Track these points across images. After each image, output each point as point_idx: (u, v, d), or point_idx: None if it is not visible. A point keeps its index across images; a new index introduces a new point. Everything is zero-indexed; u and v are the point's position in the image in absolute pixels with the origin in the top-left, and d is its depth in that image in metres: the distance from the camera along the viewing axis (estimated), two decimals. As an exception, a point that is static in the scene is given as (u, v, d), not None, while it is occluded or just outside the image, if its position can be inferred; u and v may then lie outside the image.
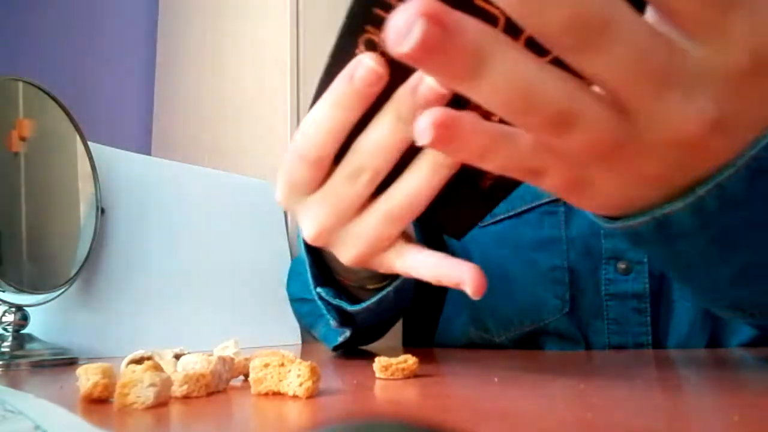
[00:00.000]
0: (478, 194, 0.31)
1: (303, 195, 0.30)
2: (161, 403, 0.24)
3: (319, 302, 0.43)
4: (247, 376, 0.31)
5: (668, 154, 0.22)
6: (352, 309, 0.41)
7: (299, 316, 0.57)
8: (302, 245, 0.42)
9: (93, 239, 0.58)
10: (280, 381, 0.26)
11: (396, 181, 0.29)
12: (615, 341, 0.51)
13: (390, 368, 0.32)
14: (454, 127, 0.21)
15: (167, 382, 0.25)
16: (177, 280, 0.68)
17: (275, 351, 0.31)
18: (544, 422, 0.19)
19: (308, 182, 0.29)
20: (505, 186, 0.30)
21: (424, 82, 0.24)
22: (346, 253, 0.31)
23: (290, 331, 0.81)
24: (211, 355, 0.29)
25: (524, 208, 0.54)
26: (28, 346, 0.50)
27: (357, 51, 0.25)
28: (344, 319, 0.43)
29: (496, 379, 0.31)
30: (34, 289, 0.51)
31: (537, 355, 0.47)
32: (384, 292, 0.40)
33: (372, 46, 0.25)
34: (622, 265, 0.50)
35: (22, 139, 0.53)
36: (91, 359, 0.53)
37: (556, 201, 0.53)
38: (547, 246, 0.53)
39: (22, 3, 1.01)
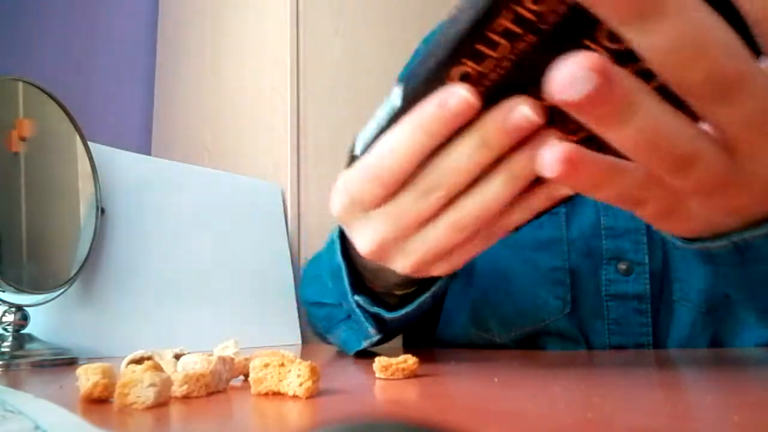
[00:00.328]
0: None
1: (365, 210, 0.31)
2: (161, 403, 0.24)
3: (357, 310, 0.43)
4: (247, 376, 0.31)
5: (760, 189, 0.24)
6: (391, 316, 0.41)
7: (314, 320, 0.57)
8: (336, 254, 0.42)
9: (93, 239, 0.58)
10: (280, 381, 0.26)
11: (468, 192, 0.29)
12: (616, 341, 0.51)
13: (390, 368, 0.32)
14: (580, 163, 0.22)
15: (167, 382, 0.25)
16: (177, 280, 0.68)
17: (275, 351, 0.31)
18: (544, 422, 0.19)
19: (375, 200, 0.30)
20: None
21: (518, 111, 0.25)
22: (405, 263, 0.31)
23: (290, 331, 0.81)
24: (211, 355, 0.29)
25: None
26: (28, 346, 0.50)
27: (448, 80, 0.25)
28: (380, 326, 0.44)
29: (496, 379, 0.31)
30: (34, 289, 0.51)
31: (537, 355, 0.47)
32: (423, 298, 0.41)
33: (466, 78, 0.25)
34: (622, 266, 0.50)
35: (22, 139, 0.53)
36: (91, 359, 0.53)
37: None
38: (548, 246, 0.52)
39: (23, 3, 1.01)
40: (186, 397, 0.26)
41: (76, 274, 0.56)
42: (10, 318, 0.50)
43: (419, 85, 0.26)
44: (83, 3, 1.10)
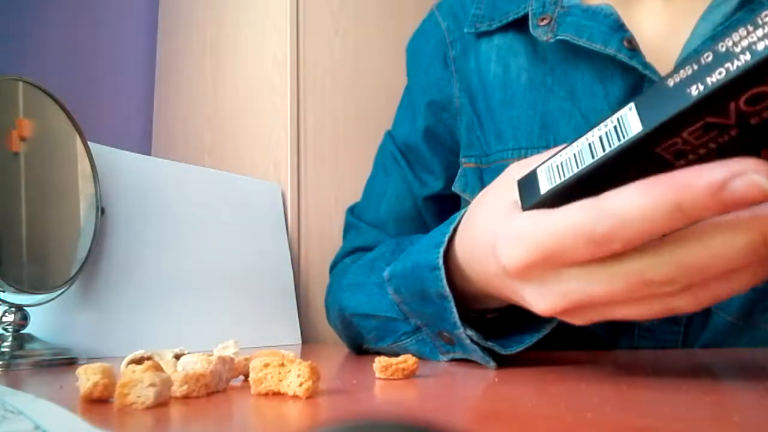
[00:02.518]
0: None
1: (555, 267, 0.27)
2: (161, 403, 0.24)
3: (470, 345, 0.39)
4: (247, 376, 0.31)
5: None
6: (507, 352, 0.38)
7: (360, 331, 0.52)
8: (439, 282, 0.38)
9: (93, 239, 0.58)
10: (280, 381, 0.26)
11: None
12: (643, 345, 0.50)
13: (390, 368, 0.32)
14: None
15: (167, 382, 0.25)
16: (177, 280, 0.68)
17: (275, 351, 0.31)
18: (544, 422, 0.19)
19: (575, 261, 0.26)
20: None
21: (741, 180, 0.21)
22: (590, 319, 0.28)
23: (290, 331, 0.81)
24: (211, 355, 0.29)
25: None
26: (28, 346, 0.50)
27: (732, 105, 0.20)
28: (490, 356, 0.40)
29: (496, 379, 0.31)
30: (34, 289, 0.51)
31: (537, 355, 0.47)
32: (540, 335, 0.38)
33: (760, 101, 0.20)
34: None
35: (22, 139, 0.53)
36: (91, 359, 0.53)
37: None
38: None
39: (23, 3, 1.01)
40: (186, 397, 0.26)
41: (76, 274, 0.56)
42: (10, 318, 0.50)
43: (689, 109, 0.20)
44: (84, 3, 1.10)
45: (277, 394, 0.26)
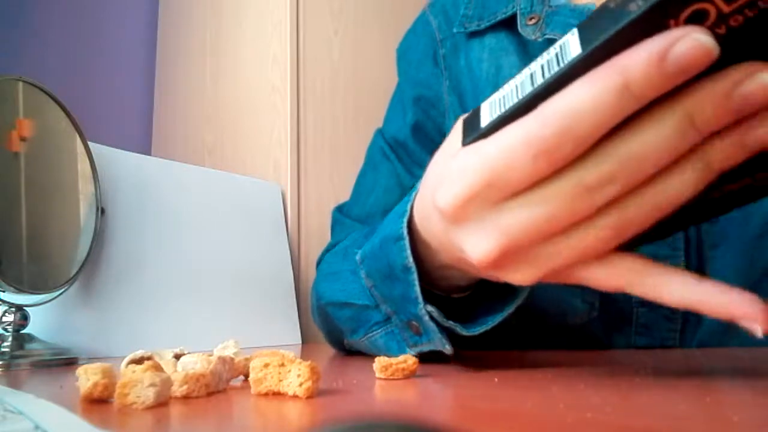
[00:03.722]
0: (702, 204, 0.25)
1: (497, 200, 0.24)
2: (161, 403, 0.24)
3: (430, 323, 0.37)
4: (247, 376, 0.31)
5: None
6: (468, 332, 0.36)
7: (334, 322, 0.52)
8: (403, 251, 0.36)
9: (93, 239, 0.58)
10: (280, 381, 0.26)
11: (642, 187, 0.23)
12: (641, 343, 0.50)
13: (390, 368, 0.32)
14: None
15: (167, 382, 0.25)
16: (177, 280, 0.68)
17: (275, 351, 0.31)
18: (544, 422, 0.19)
19: (520, 181, 0.23)
20: (733, 201, 0.26)
21: (758, 80, 0.20)
22: (531, 273, 0.26)
23: (290, 331, 0.81)
24: (211, 355, 0.29)
25: None
26: (28, 346, 0.50)
27: (672, 23, 0.20)
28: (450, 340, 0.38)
29: (496, 379, 0.31)
30: (34, 289, 0.51)
31: (537, 355, 0.47)
32: (505, 314, 0.36)
33: (700, 19, 0.19)
34: None
35: (22, 139, 0.53)
36: (91, 359, 0.53)
37: None
38: None
39: (23, 3, 1.01)
40: (186, 397, 0.26)
41: (76, 274, 0.56)
42: (10, 318, 0.50)
43: (628, 26, 0.20)
44: (84, 3, 1.10)
45: (277, 394, 0.26)
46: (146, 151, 1.16)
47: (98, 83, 1.11)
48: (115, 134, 1.09)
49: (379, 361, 0.32)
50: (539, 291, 0.52)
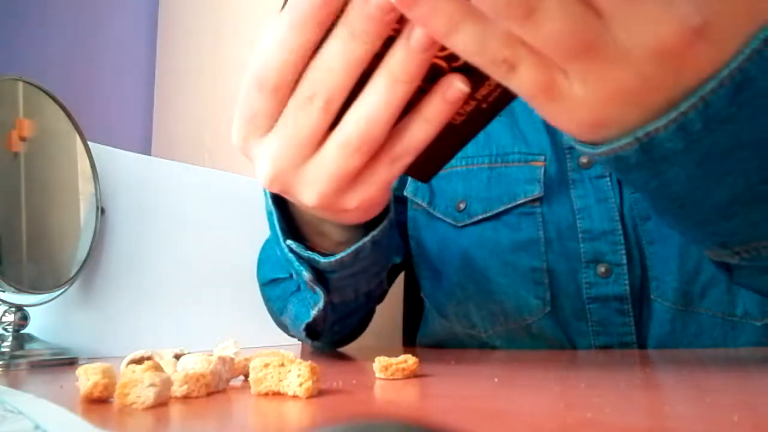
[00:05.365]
0: (448, 131, 0.29)
1: (260, 134, 0.29)
2: (161, 403, 0.24)
3: (290, 256, 0.40)
4: (247, 376, 0.31)
5: (647, 65, 0.21)
6: (326, 260, 0.38)
7: (269, 304, 0.55)
8: (268, 201, 0.40)
9: (93, 239, 0.58)
10: (280, 381, 0.26)
11: (351, 105, 0.27)
12: (601, 342, 0.51)
13: (390, 368, 0.32)
14: None
15: (167, 382, 0.25)
16: (177, 280, 0.68)
17: (275, 351, 0.31)
18: (544, 422, 0.19)
19: (266, 116, 0.28)
20: (477, 122, 0.29)
21: None
22: (309, 194, 0.30)
23: (290, 331, 0.81)
24: (211, 355, 0.29)
25: (502, 209, 0.54)
26: (28, 346, 0.50)
27: None
28: (319, 280, 0.41)
29: (496, 379, 0.31)
30: (34, 289, 0.51)
31: (537, 355, 0.47)
32: (360, 243, 0.38)
33: None
34: (601, 269, 0.50)
35: (22, 139, 0.53)
36: (91, 359, 0.53)
37: (533, 202, 0.53)
38: (526, 247, 0.52)
39: (23, 3, 1.01)
40: (186, 397, 0.26)
41: (76, 274, 0.56)
42: (10, 318, 0.50)
43: None
44: (84, 3, 1.10)
45: (277, 394, 0.26)
46: (146, 151, 1.16)
47: (98, 83, 1.11)
48: (115, 134, 1.09)
49: (379, 361, 0.32)
50: (497, 288, 0.53)
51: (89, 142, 0.60)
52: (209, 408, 0.24)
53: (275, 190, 0.31)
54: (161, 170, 0.72)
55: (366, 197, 0.31)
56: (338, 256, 0.38)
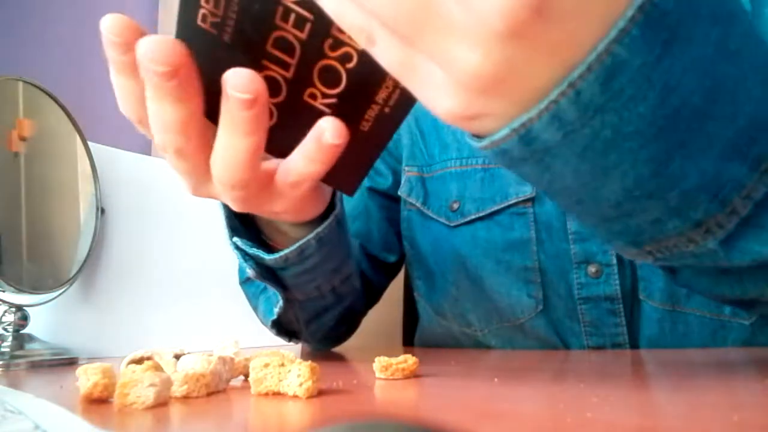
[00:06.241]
0: (358, 139, 0.29)
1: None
2: (161, 403, 0.24)
3: (236, 252, 0.40)
4: (247, 376, 0.31)
5: (494, 47, 0.20)
6: (270, 257, 0.39)
7: (248, 300, 0.56)
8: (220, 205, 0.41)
9: (93, 239, 0.58)
10: (280, 381, 0.26)
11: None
12: (593, 342, 0.51)
13: (390, 368, 0.32)
14: None
15: (167, 382, 0.25)
16: (177, 280, 0.68)
17: (275, 351, 0.31)
18: (544, 422, 0.19)
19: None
20: (385, 126, 0.29)
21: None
22: (228, 202, 0.32)
23: (290, 331, 0.80)
24: (211, 355, 0.29)
25: (494, 209, 0.54)
26: (28, 346, 0.50)
27: (199, 24, 0.29)
28: (273, 277, 0.41)
29: (496, 379, 0.31)
30: (34, 289, 0.51)
31: (537, 355, 0.47)
32: (304, 241, 0.38)
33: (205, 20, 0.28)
34: (592, 269, 0.50)
35: (22, 139, 0.53)
36: (91, 359, 0.53)
37: (525, 202, 0.53)
38: (518, 247, 0.53)
39: (23, 3, 1.01)
40: (186, 397, 0.26)
41: (76, 274, 0.56)
42: (10, 318, 0.50)
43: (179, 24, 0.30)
44: (84, 3, 1.10)
45: (277, 394, 0.26)
46: (146, 151, 1.16)
47: (98, 83, 1.11)
48: (115, 134, 1.09)
49: (379, 361, 0.32)
50: (491, 287, 0.54)
51: (89, 143, 0.60)
52: (209, 408, 0.24)
53: (200, 196, 0.33)
54: (161, 170, 0.72)
55: (288, 206, 0.32)
56: (282, 253, 0.39)
